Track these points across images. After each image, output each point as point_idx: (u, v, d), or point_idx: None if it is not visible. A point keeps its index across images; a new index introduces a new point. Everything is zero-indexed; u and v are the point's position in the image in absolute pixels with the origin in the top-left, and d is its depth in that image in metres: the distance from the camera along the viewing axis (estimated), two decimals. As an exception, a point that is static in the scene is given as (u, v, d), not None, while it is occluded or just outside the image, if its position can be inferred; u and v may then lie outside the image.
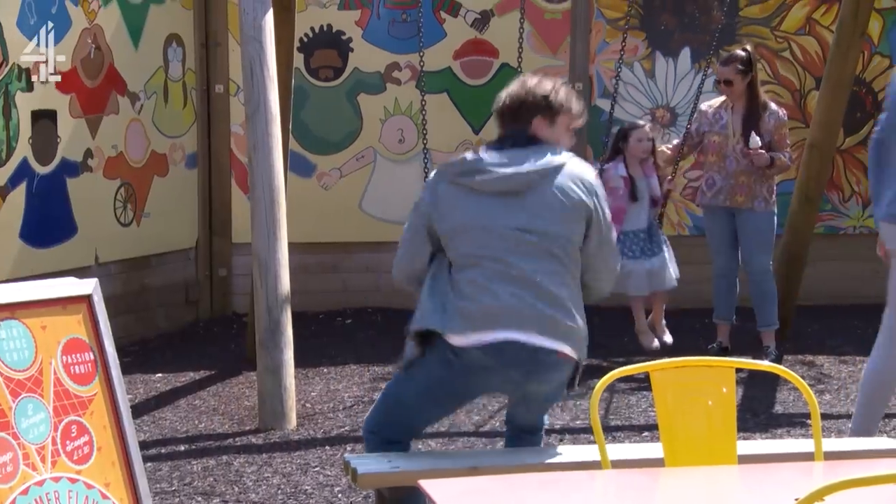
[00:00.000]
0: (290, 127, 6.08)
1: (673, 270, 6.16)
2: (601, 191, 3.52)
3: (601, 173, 6.12)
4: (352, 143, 7.53)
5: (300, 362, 5.54)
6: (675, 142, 6.43)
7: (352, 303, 7.55)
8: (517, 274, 3.38)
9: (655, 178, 6.15)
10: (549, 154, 3.46)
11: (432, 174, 3.58)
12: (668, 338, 6.32)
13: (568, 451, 3.56)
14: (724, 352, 6.23)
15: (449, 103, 7.50)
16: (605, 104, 7.57)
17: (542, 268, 3.40)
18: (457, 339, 3.40)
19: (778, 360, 6.06)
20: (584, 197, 3.44)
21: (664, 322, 6.35)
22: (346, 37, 7.46)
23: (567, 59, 7.52)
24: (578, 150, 7.53)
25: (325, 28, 7.45)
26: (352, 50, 7.47)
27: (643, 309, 6.32)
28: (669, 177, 6.29)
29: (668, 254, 6.17)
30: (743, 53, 6.11)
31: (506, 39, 7.21)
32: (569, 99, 3.56)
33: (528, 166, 3.43)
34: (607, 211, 3.51)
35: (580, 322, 3.46)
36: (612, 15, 7.52)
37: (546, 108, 3.51)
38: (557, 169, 3.45)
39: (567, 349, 3.44)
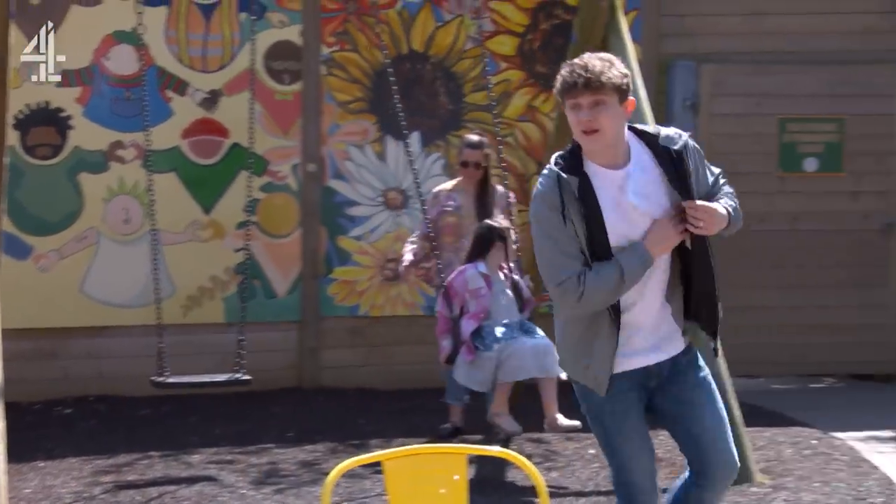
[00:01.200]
0: (5, 207, 5.74)
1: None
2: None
3: (456, 276, 5.82)
4: (72, 224, 7.19)
5: (13, 457, 5.16)
6: (412, 246, 6.40)
7: (72, 391, 7.15)
8: None
9: (519, 277, 6.00)
10: None
11: None
12: (568, 421, 5.77)
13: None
14: (456, 432, 6.27)
15: (177, 182, 7.31)
16: (338, 185, 7.58)
17: None
18: None
19: (507, 439, 6.15)
20: None
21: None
22: (66, 114, 7.16)
23: (299, 140, 7.50)
24: (311, 231, 7.55)
25: (42, 105, 7.12)
26: (72, 127, 7.17)
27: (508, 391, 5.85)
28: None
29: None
30: (484, 138, 6.38)
31: (236, 119, 7.11)
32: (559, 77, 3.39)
33: None
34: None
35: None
36: (342, 98, 7.57)
37: None
38: None
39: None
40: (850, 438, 6.26)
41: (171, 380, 5.95)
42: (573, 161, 3.40)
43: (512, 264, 5.99)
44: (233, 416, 6.82)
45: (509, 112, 7.75)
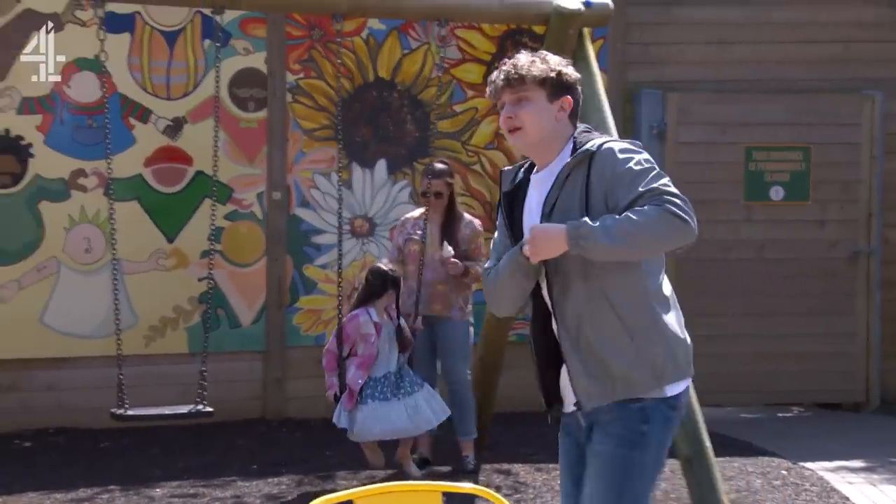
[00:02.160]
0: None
1: (434, 407, 5.90)
2: None
3: (350, 319, 5.85)
4: (32, 253, 7.07)
5: (-31, 494, 5.04)
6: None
7: (31, 424, 7.01)
8: None
9: (402, 319, 6.03)
10: None
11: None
12: (416, 470, 6.06)
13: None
14: (425, 463, 6.19)
15: (140, 211, 7.21)
16: (304, 213, 7.51)
17: None
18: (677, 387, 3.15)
19: (476, 470, 6.08)
20: None
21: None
22: (26, 142, 7.05)
23: (265, 167, 7.43)
24: (278, 261, 7.47)
25: (1, 133, 7.01)
26: (32, 155, 7.05)
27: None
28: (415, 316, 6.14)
29: (426, 392, 5.91)
30: (447, 167, 6.30)
31: (200, 147, 7.04)
32: None
33: None
34: None
35: None
36: (308, 125, 7.51)
37: None
38: None
39: None
40: (820, 468, 6.24)
41: (130, 412, 5.82)
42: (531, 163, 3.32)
43: (392, 313, 5.98)
44: (196, 449, 6.71)
45: (476, 140, 7.72)
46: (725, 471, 5.92)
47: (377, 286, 5.90)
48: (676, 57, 7.85)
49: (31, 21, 7.00)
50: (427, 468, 6.13)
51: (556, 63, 3.22)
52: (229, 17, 7.26)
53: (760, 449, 6.68)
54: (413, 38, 7.63)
